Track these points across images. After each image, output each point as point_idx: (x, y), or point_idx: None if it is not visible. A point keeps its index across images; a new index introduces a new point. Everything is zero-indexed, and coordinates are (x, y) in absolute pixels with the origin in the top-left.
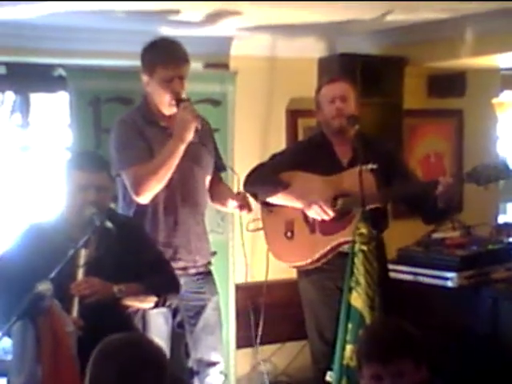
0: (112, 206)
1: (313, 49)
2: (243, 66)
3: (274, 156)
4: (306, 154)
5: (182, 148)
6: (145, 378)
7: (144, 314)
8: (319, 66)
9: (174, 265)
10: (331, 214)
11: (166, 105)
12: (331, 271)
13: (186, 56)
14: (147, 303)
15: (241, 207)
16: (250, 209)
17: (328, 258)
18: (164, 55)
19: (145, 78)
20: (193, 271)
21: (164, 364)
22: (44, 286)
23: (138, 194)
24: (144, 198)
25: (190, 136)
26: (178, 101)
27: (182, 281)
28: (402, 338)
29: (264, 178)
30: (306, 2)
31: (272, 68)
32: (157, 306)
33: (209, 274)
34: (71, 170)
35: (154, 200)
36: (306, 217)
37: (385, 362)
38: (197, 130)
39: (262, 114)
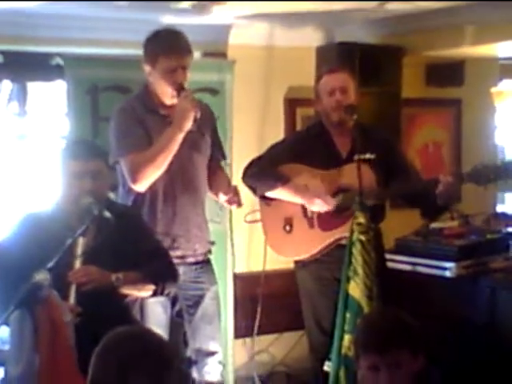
0: (111, 195)
1: (311, 38)
2: (241, 55)
3: (273, 147)
4: (304, 145)
5: (181, 137)
6: (144, 370)
7: (142, 304)
8: (317, 55)
9: (172, 253)
10: (334, 203)
11: (168, 95)
12: (329, 262)
13: (188, 46)
14: (145, 291)
15: (229, 202)
16: (239, 204)
17: (327, 250)
18: (167, 45)
19: (147, 67)
20: (192, 260)
21: (164, 356)
22: (41, 276)
23: (134, 181)
24: (141, 186)
25: (188, 125)
26: (179, 90)
27: (180, 270)
28: (399, 328)
29: (262, 171)
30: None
31: (270, 57)
32: (155, 294)
33: (208, 263)
34: (66, 159)
35: (153, 188)
36: (305, 211)
37: (382, 352)
38: (195, 120)
39: (260, 103)
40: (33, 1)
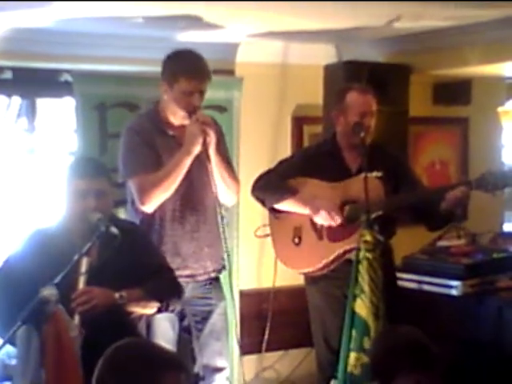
0: (117, 212)
1: (319, 56)
2: (249, 73)
3: (282, 162)
4: (314, 160)
5: (189, 161)
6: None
7: (150, 319)
8: (325, 74)
9: (182, 272)
10: (339, 220)
11: (178, 116)
12: (339, 279)
13: (209, 71)
14: (149, 308)
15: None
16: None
17: (335, 264)
18: (189, 68)
19: (164, 85)
20: (203, 278)
21: (173, 362)
22: (49, 291)
23: (142, 203)
24: (149, 207)
25: (197, 149)
26: (191, 113)
27: (189, 286)
28: (411, 351)
29: (271, 184)
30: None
31: (278, 75)
32: (159, 311)
33: (216, 279)
34: (70, 177)
35: (162, 207)
36: (313, 223)
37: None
38: (204, 143)
39: (267, 121)
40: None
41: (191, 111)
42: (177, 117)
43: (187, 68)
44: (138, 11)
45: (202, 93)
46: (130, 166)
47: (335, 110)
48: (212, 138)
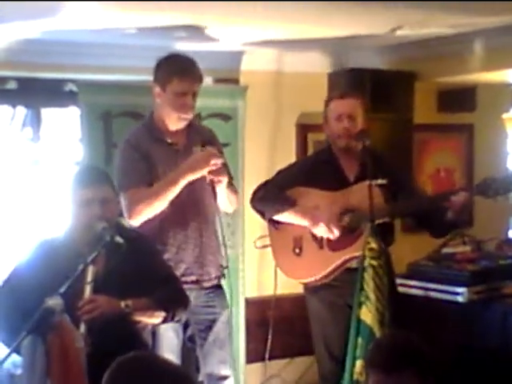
0: (123, 220)
1: (323, 63)
2: (253, 81)
3: (281, 171)
4: (312, 170)
5: (182, 184)
6: None
7: (155, 329)
8: (329, 81)
9: (187, 279)
10: (337, 233)
11: (174, 118)
12: (339, 287)
13: (201, 74)
14: (155, 318)
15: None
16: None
17: (336, 273)
18: (182, 68)
19: (157, 88)
20: (207, 284)
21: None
22: (54, 301)
23: (130, 217)
24: (135, 222)
25: (194, 178)
26: (204, 143)
27: (193, 294)
28: (407, 349)
29: (270, 195)
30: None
31: (282, 83)
32: (165, 321)
33: (219, 287)
34: (75, 187)
35: (163, 215)
36: (314, 233)
37: (386, 370)
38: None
39: (271, 129)
40: None
41: (186, 112)
42: (171, 120)
43: (180, 68)
44: (140, 22)
45: (194, 94)
46: (124, 180)
47: (323, 120)
48: (223, 179)
